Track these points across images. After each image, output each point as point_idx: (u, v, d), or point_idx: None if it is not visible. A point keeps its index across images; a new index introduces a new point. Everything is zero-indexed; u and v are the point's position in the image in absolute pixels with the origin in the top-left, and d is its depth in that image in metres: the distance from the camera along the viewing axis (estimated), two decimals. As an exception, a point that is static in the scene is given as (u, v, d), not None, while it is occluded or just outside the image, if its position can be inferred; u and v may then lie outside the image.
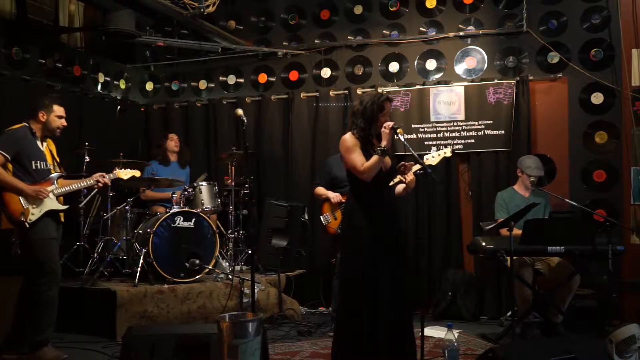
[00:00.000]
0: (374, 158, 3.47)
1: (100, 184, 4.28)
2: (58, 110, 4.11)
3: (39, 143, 4.10)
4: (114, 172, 4.48)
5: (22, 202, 3.91)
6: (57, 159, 4.26)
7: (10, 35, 5.55)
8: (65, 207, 4.17)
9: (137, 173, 4.71)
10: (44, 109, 4.06)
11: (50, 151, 4.20)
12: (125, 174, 4.59)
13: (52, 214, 4.04)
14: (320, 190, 5.03)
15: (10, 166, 3.95)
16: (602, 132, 5.59)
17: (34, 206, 3.94)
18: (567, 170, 5.66)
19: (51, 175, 4.09)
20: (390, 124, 3.49)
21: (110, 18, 5.43)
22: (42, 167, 4.06)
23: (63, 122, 4.15)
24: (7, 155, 3.90)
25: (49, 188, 4.03)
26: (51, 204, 4.03)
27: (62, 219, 4.22)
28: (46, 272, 3.93)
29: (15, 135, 3.99)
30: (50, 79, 5.87)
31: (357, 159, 3.53)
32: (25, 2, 5.78)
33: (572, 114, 5.67)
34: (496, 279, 5.64)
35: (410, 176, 3.85)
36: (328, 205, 4.94)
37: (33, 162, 4.01)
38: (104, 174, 4.29)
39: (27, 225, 3.90)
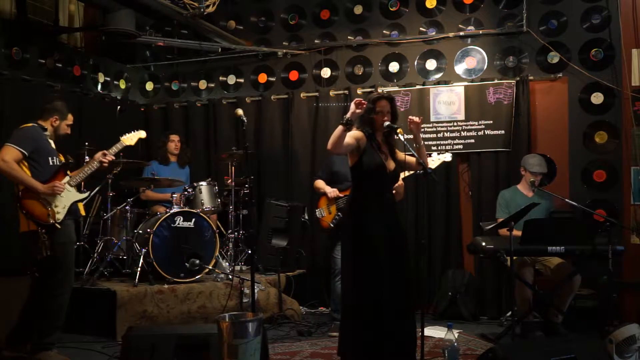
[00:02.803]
0: (337, 128, 3.46)
1: (105, 164, 4.21)
2: (71, 119, 4.12)
3: (50, 141, 4.05)
4: (120, 141, 4.42)
5: (43, 204, 3.85)
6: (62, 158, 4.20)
7: (10, 35, 5.54)
8: (86, 194, 4.14)
9: (143, 134, 4.63)
10: (58, 114, 4.04)
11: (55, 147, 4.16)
12: (130, 139, 4.50)
13: (72, 212, 3.99)
14: (320, 183, 5.03)
15: (25, 165, 3.88)
16: (602, 132, 5.59)
17: (56, 204, 3.89)
18: (567, 170, 5.67)
19: (60, 168, 4.01)
20: (360, 100, 3.49)
21: (110, 18, 5.42)
22: (57, 163, 4.02)
23: (68, 130, 4.16)
24: (24, 152, 3.84)
25: (64, 180, 3.97)
26: (72, 196, 3.99)
27: (83, 212, 4.19)
28: (63, 277, 3.90)
29: (31, 132, 3.94)
30: (50, 79, 5.86)
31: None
32: (25, 2, 5.77)
33: (572, 114, 5.67)
34: (496, 279, 5.64)
35: (398, 182, 3.89)
36: (325, 199, 4.95)
37: (50, 159, 3.97)
38: (105, 151, 4.21)
39: (59, 226, 3.86)
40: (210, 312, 4.88)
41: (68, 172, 4.06)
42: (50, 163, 3.97)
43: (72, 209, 3.99)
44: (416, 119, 3.66)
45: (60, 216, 3.89)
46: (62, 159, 4.15)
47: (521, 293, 4.68)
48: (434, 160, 4.66)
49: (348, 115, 3.45)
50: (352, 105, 3.46)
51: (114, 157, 4.28)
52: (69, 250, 3.96)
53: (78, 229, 5.31)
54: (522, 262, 4.73)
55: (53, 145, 4.06)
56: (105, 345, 4.35)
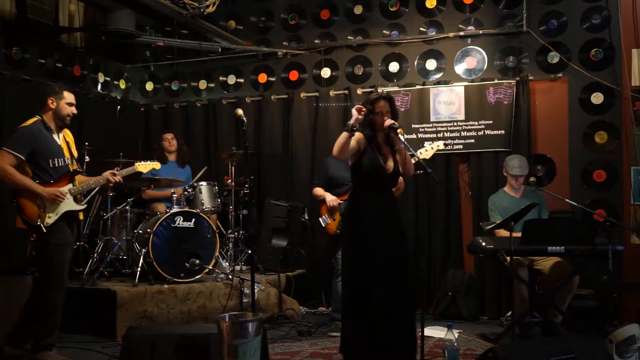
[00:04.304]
0: (342, 135, 3.49)
1: (110, 184, 4.16)
2: (68, 96, 3.95)
3: (55, 137, 3.94)
4: (133, 166, 4.37)
5: (38, 204, 3.78)
6: (75, 153, 4.12)
7: (10, 35, 5.55)
8: (83, 206, 4.05)
9: (157, 165, 4.64)
10: (53, 95, 3.91)
11: (68, 143, 4.05)
12: (145, 167, 4.48)
13: (68, 215, 3.92)
14: (318, 191, 5.02)
15: (28, 168, 3.81)
16: (602, 132, 5.58)
17: (51, 208, 3.82)
18: (567, 170, 5.67)
19: (67, 172, 3.94)
20: (359, 106, 3.51)
21: (110, 18, 5.42)
22: (60, 164, 3.91)
23: (73, 109, 3.98)
24: (20, 156, 3.75)
25: (65, 188, 3.89)
26: (68, 204, 3.90)
27: (81, 217, 4.12)
28: (55, 278, 3.87)
29: (29, 132, 3.82)
30: (50, 79, 5.85)
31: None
32: (25, 2, 5.77)
33: (572, 114, 5.67)
34: (496, 279, 5.64)
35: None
36: (326, 206, 4.93)
37: (50, 160, 3.86)
38: (115, 171, 4.16)
39: (45, 230, 3.78)
40: (210, 312, 4.88)
41: (75, 180, 4.00)
42: (51, 165, 3.87)
43: (65, 215, 3.90)
44: (389, 121, 3.56)
45: (50, 221, 3.81)
46: (77, 165, 4.07)
47: (518, 292, 4.68)
48: (427, 151, 4.64)
49: (351, 121, 3.47)
50: (354, 112, 3.48)
51: (122, 180, 4.21)
52: (62, 251, 3.89)
53: (78, 229, 5.31)
54: (518, 262, 4.73)
55: (59, 141, 3.97)
56: (105, 345, 4.35)
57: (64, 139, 4.05)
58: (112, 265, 5.27)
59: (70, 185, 3.95)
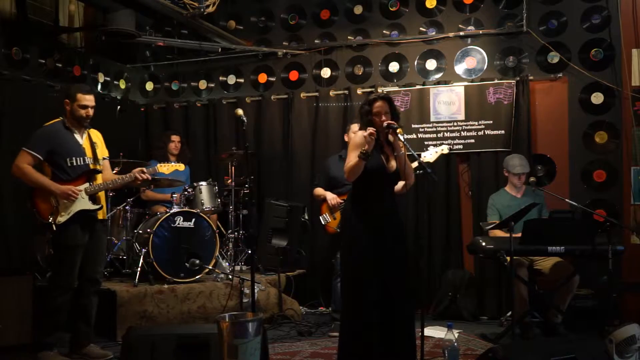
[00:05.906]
0: (354, 160, 3.48)
1: (138, 181, 4.14)
2: (81, 99, 3.93)
3: (76, 136, 3.96)
4: (156, 167, 4.34)
5: (52, 202, 3.80)
6: (105, 153, 4.14)
7: (10, 35, 5.54)
8: (97, 206, 4.00)
9: (181, 167, 4.60)
10: (68, 97, 3.94)
11: (94, 144, 4.05)
12: (167, 168, 4.43)
13: (82, 217, 3.91)
14: (319, 190, 5.05)
15: (48, 167, 3.85)
16: (602, 132, 5.59)
17: (64, 207, 3.83)
18: (567, 170, 5.67)
19: (86, 172, 3.94)
20: (371, 129, 3.47)
21: (110, 18, 5.42)
22: (79, 163, 3.92)
23: (88, 111, 3.97)
24: (37, 155, 3.80)
25: (81, 187, 3.89)
26: (82, 204, 3.89)
27: (101, 216, 4.10)
28: (62, 279, 3.89)
29: (47, 132, 3.88)
30: (50, 79, 5.85)
31: (349, 158, 3.55)
32: (25, 2, 5.77)
33: (572, 114, 5.67)
34: (496, 279, 5.64)
35: (409, 170, 3.86)
36: (326, 205, 4.95)
37: (68, 159, 3.89)
38: (144, 168, 4.15)
39: (55, 228, 3.79)
40: (210, 312, 4.88)
41: (95, 179, 3.99)
42: (69, 164, 3.89)
43: (79, 215, 3.89)
44: (387, 121, 3.52)
45: (61, 219, 3.83)
46: (94, 166, 4.02)
47: (518, 292, 4.68)
48: (432, 154, 4.65)
49: (366, 147, 3.44)
50: (366, 136, 3.44)
51: (150, 177, 4.22)
52: (71, 252, 3.90)
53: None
54: (518, 262, 4.73)
55: (81, 141, 3.98)
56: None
57: (89, 138, 4.06)
58: (112, 265, 5.28)
59: (87, 185, 3.95)
